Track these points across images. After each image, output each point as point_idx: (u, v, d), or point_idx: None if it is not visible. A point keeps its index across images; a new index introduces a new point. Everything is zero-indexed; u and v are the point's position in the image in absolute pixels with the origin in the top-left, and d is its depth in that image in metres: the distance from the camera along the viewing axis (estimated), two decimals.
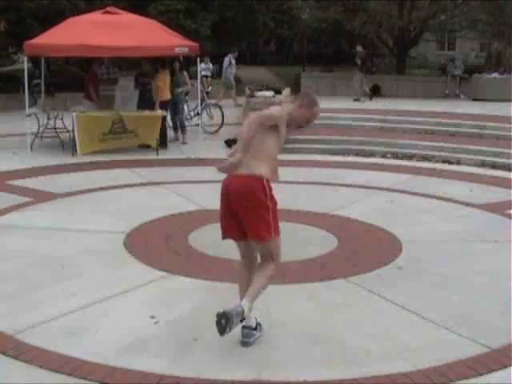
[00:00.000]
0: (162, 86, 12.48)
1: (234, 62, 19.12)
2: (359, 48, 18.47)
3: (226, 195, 4.33)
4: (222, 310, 4.09)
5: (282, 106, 4.46)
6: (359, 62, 17.88)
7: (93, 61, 13.24)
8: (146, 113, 12.12)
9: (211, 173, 10.05)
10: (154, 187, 9.13)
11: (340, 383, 3.90)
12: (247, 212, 4.23)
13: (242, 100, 17.24)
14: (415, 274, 5.82)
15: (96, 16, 12.43)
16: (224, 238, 4.48)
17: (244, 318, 4.17)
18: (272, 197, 4.29)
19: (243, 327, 4.30)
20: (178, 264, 5.94)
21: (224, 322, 4.04)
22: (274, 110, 4.40)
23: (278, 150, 4.39)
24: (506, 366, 4.08)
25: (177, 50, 12.00)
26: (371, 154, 11.48)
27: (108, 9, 12.61)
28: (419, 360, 4.14)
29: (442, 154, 11.91)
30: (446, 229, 7.28)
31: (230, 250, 6.32)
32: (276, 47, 44.55)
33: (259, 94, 13.16)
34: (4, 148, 11.87)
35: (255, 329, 4.40)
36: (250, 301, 4.23)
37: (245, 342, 4.31)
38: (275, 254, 4.36)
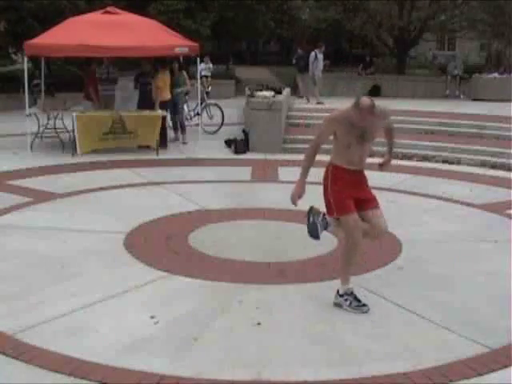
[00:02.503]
0: (162, 86, 12.48)
1: (320, 56, 17.33)
2: (299, 51, 18.76)
3: None
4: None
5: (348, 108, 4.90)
6: (295, 63, 18.34)
7: (92, 61, 13.23)
8: (146, 113, 12.11)
9: (211, 173, 10.13)
10: (154, 187, 9.13)
11: (340, 383, 3.90)
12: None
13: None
14: (415, 274, 5.83)
15: (96, 16, 12.42)
16: None
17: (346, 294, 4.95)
18: (334, 180, 4.91)
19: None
20: (178, 264, 5.94)
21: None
22: (327, 115, 5.12)
23: (345, 143, 4.86)
24: (506, 366, 4.08)
25: (177, 50, 12.00)
26: (371, 154, 11.42)
27: (108, 9, 12.60)
28: (419, 360, 4.15)
29: (442, 154, 11.91)
30: (446, 229, 7.28)
31: (230, 249, 6.36)
32: (279, 47, 44.54)
33: (259, 93, 13.15)
34: (4, 148, 11.87)
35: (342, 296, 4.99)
36: (342, 283, 4.98)
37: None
38: (346, 231, 4.91)
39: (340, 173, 4.93)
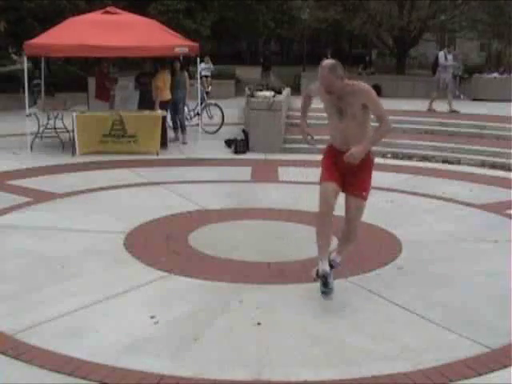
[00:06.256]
0: (162, 86, 12.48)
1: (450, 57, 15.74)
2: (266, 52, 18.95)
3: None
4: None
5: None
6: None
7: (101, 60, 13.24)
8: (146, 113, 12.11)
9: (211, 173, 10.12)
10: (154, 187, 9.13)
11: (340, 383, 3.90)
12: None
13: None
14: (415, 273, 5.82)
15: (96, 16, 12.43)
16: None
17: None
18: (324, 154, 5.18)
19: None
20: (178, 264, 5.94)
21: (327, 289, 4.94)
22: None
23: (332, 119, 5.05)
24: (506, 366, 4.08)
25: (177, 49, 12.00)
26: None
27: (108, 9, 12.62)
28: (419, 360, 4.14)
29: (442, 154, 11.91)
30: (446, 229, 7.28)
31: (230, 249, 6.36)
32: (279, 47, 44.60)
33: (259, 93, 13.15)
34: (4, 148, 11.86)
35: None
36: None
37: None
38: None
39: (331, 149, 5.15)
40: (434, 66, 15.89)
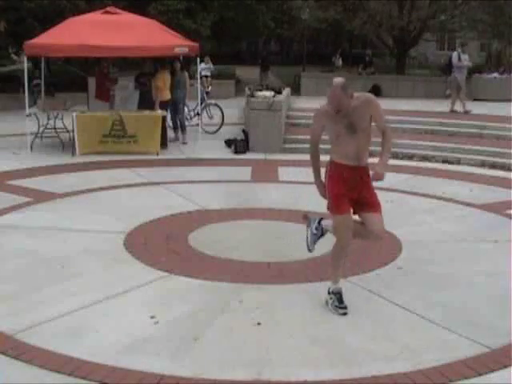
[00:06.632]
0: (162, 85, 12.48)
1: (465, 57, 15.49)
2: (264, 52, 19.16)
3: None
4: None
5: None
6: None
7: (101, 60, 13.23)
8: (146, 113, 12.11)
9: (211, 173, 10.12)
10: (154, 187, 9.13)
11: (340, 383, 3.90)
12: None
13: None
14: (415, 273, 5.82)
15: (96, 16, 12.43)
16: None
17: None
18: (331, 176, 4.92)
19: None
20: (178, 264, 5.94)
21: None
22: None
23: (341, 139, 4.84)
24: (506, 366, 4.08)
25: (177, 49, 12.00)
26: (371, 154, 11.42)
27: (108, 9, 12.62)
28: (419, 360, 4.14)
29: (442, 154, 11.91)
30: (446, 229, 7.28)
31: (230, 250, 6.36)
32: (279, 47, 44.59)
33: (259, 93, 13.15)
34: (4, 148, 11.87)
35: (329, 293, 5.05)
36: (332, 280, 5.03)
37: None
38: (334, 231, 4.96)
39: (337, 168, 4.90)
40: (449, 66, 15.78)
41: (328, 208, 5.01)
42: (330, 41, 36.46)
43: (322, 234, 5.29)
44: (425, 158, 11.77)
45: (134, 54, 11.98)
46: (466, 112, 14.92)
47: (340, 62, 21.62)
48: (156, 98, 12.40)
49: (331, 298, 4.96)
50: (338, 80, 4.76)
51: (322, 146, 5.05)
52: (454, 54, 15.59)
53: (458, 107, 15.17)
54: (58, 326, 4.56)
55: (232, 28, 26.97)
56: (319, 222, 5.27)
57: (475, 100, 18.16)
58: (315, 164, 5.08)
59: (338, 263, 5.00)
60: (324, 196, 5.06)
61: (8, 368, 3.97)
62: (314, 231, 5.29)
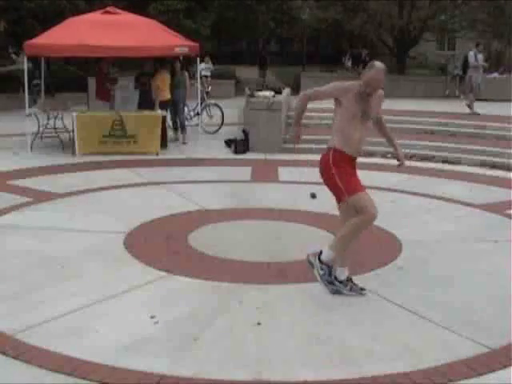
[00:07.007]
0: (162, 85, 12.48)
1: (480, 57, 15.21)
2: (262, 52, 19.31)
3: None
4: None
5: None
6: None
7: (101, 60, 13.23)
8: (146, 113, 12.11)
9: (211, 173, 10.12)
10: (154, 187, 9.13)
11: (340, 383, 3.90)
12: (325, 182, 5.09)
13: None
14: (415, 273, 5.82)
15: (96, 16, 12.43)
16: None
17: (327, 265, 5.04)
18: (336, 162, 4.93)
19: (323, 267, 5.09)
20: (178, 264, 5.94)
21: (308, 265, 5.13)
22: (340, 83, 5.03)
23: (353, 122, 4.92)
24: (505, 366, 4.08)
25: (177, 49, 12.01)
26: (371, 154, 11.49)
27: (108, 9, 12.61)
28: (419, 360, 4.14)
29: (442, 154, 11.91)
30: (446, 229, 7.28)
31: (230, 249, 6.36)
32: (279, 47, 44.58)
33: (259, 94, 13.15)
34: (4, 148, 11.87)
35: (341, 282, 5.09)
36: (330, 248, 5.03)
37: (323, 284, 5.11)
38: (359, 207, 4.90)
39: (342, 156, 4.99)
40: (464, 66, 15.65)
41: (339, 197, 5.03)
42: (329, 41, 36.43)
43: (330, 270, 5.15)
44: (425, 158, 11.77)
45: (133, 54, 11.97)
46: (474, 113, 14.62)
47: (350, 63, 21.52)
48: (156, 98, 12.40)
49: (347, 285, 5.12)
50: (381, 64, 4.90)
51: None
52: (471, 54, 15.30)
53: (477, 108, 14.95)
54: (57, 326, 4.56)
55: (232, 28, 26.97)
56: (320, 261, 5.14)
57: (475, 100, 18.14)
58: (301, 111, 5.18)
59: (348, 245, 5.06)
60: (297, 135, 5.16)
61: (8, 368, 3.97)
62: (321, 272, 5.15)
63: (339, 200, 5.09)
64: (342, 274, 5.17)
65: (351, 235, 5.02)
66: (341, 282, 5.13)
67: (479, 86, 15.07)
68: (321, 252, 5.15)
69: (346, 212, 5.09)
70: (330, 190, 5.11)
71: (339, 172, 4.95)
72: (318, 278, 5.15)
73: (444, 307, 5.02)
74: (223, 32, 26.61)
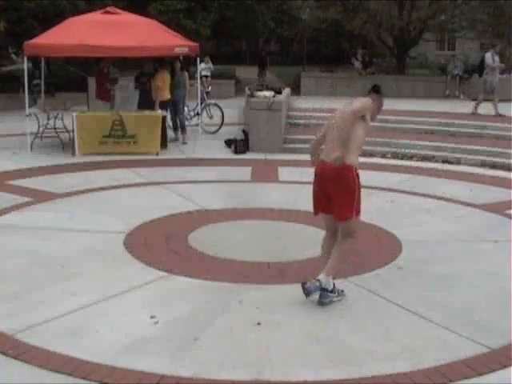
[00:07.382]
0: (162, 85, 12.48)
1: (497, 58, 14.88)
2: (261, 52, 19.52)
3: (321, 178, 5.07)
4: (303, 282, 4.99)
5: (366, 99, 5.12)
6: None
7: (101, 60, 13.23)
8: (146, 113, 12.11)
9: (211, 173, 10.12)
10: (154, 187, 9.13)
11: (340, 383, 3.90)
12: (335, 192, 4.97)
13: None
14: (415, 273, 5.82)
15: (96, 16, 12.42)
16: (315, 214, 5.29)
17: (324, 288, 4.98)
18: (359, 183, 4.99)
19: (321, 289, 4.99)
20: (178, 264, 5.94)
21: (305, 293, 4.98)
22: (364, 102, 5.06)
23: (367, 131, 5.05)
24: (505, 366, 4.09)
25: (177, 49, 12.00)
26: (371, 154, 11.48)
27: (108, 9, 12.61)
28: (419, 360, 4.15)
29: (442, 154, 11.91)
30: (446, 229, 7.28)
31: (230, 249, 6.36)
32: (279, 47, 44.58)
33: (259, 93, 13.14)
34: (4, 148, 11.87)
35: (332, 291, 5.03)
36: (327, 275, 4.99)
37: (320, 302, 4.97)
38: (352, 230, 5.04)
39: (358, 174, 5.05)
40: (480, 67, 15.23)
41: (348, 215, 4.95)
42: (330, 41, 36.39)
43: (332, 290, 5.09)
44: (425, 158, 11.77)
45: (133, 53, 11.97)
46: (500, 115, 14.12)
47: (359, 65, 21.48)
48: (156, 98, 12.40)
49: (334, 292, 5.07)
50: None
51: None
52: (488, 55, 14.98)
53: (481, 110, 14.81)
54: (57, 326, 4.56)
55: (232, 28, 26.97)
56: (327, 290, 5.03)
57: (475, 100, 18.13)
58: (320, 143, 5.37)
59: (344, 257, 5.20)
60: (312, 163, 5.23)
61: (8, 368, 3.97)
62: (336, 297, 5.10)
63: (338, 216, 4.99)
64: (328, 283, 5.03)
65: (341, 258, 5.10)
66: (332, 292, 5.07)
67: (494, 87, 14.77)
68: (319, 281, 5.00)
69: (332, 223, 5.15)
70: (337, 201, 4.95)
71: (359, 194, 5.00)
72: (328, 301, 5.03)
73: (444, 307, 5.02)
74: (223, 32, 26.59)
